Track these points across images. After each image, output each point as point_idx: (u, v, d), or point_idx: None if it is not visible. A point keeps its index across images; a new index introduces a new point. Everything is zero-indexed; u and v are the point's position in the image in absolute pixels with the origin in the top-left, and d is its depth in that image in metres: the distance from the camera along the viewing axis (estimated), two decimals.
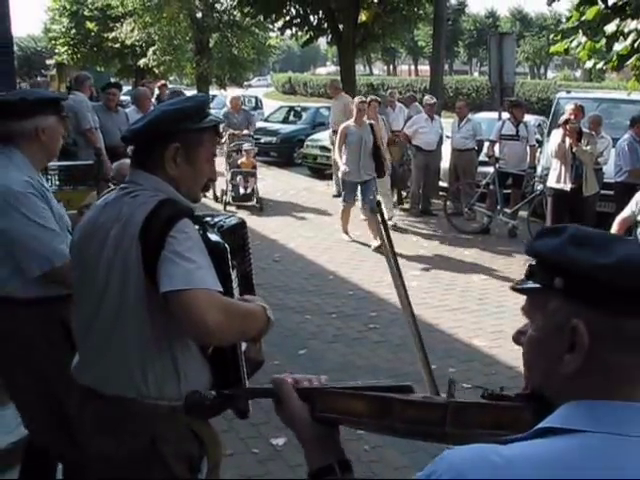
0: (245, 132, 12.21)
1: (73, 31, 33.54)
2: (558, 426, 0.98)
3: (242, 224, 2.55)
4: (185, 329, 2.02)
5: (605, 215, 8.51)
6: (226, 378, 2.22)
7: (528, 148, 10.26)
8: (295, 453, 4.19)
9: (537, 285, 1.07)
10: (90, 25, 32.05)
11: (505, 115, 10.84)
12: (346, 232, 9.81)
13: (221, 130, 11.88)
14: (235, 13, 23.61)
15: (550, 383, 1.06)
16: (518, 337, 1.14)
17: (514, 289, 1.13)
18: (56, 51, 35.84)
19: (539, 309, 1.07)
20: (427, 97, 11.91)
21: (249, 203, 11.74)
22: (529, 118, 14.71)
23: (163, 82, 14.88)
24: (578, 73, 55.66)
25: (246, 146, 11.86)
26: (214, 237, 2.21)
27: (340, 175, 9.54)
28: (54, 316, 2.93)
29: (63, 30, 34.14)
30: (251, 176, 11.75)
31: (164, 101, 10.52)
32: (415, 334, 1.53)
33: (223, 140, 11.91)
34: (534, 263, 1.10)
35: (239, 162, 11.81)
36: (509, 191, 10.46)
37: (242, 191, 11.69)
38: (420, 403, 1.18)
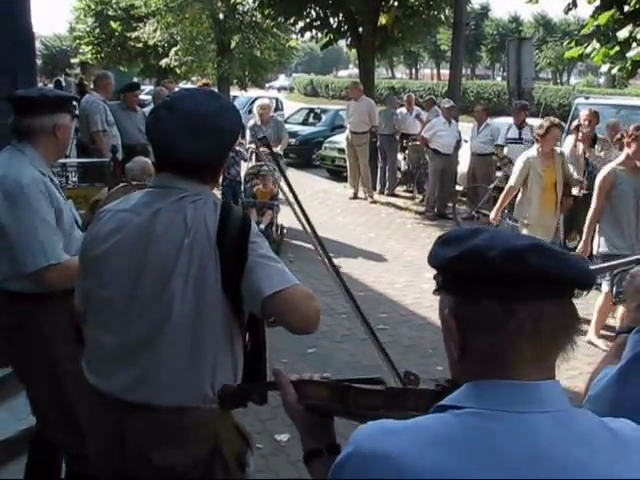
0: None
1: (97, 30, 33.89)
2: (448, 403, 1.08)
3: None
4: (291, 324, 2.08)
5: None
6: (254, 372, 2.27)
7: None
8: (298, 449, 4.24)
9: (436, 288, 1.19)
10: (114, 25, 32.38)
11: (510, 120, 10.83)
12: (599, 335, 6.37)
13: (246, 145, 10.23)
14: (256, 15, 23.76)
15: (453, 371, 1.18)
16: None
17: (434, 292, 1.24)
18: (80, 50, 36.24)
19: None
20: (445, 100, 11.95)
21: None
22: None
23: (205, 81, 14.60)
24: (602, 80, 55.18)
25: (265, 169, 9.22)
26: None
27: (600, 248, 6.14)
28: (62, 310, 2.96)
29: (87, 29, 34.51)
30: (268, 208, 9.10)
31: None
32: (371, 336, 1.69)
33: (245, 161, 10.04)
34: None
35: (254, 190, 9.33)
36: None
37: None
38: (368, 390, 1.36)
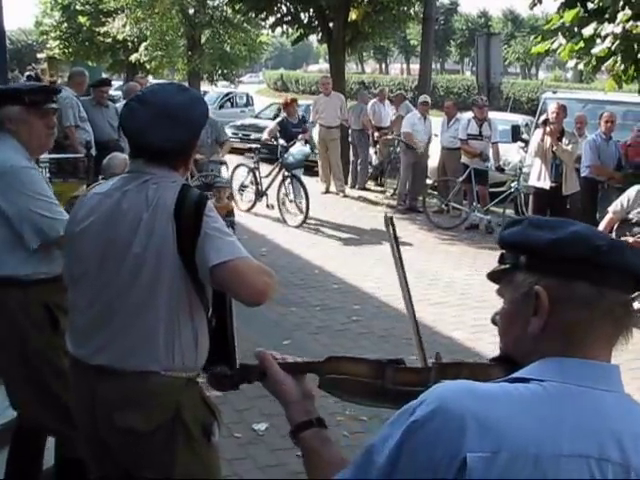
0: (209, 158, 8.56)
1: (65, 25, 33.35)
2: (529, 376, 1.14)
3: None
4: (238, 295, 2.22)
5: None
6: (221, 349, 2.36)
7: (490, 146, 10.48)
8: (276, 438, 4.32)
9: (507, 266, 1.26)
10: (82, 19, 31.89)
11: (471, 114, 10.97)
12: None
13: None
14: (227, 9, 23.68)
15: (519, 346, 1.23)
16: (494, 317, 1.31)
17: (489, 275, 1.32)
18: (47, 45, 35.71)
19: (510, 286, 1.25)
20: (423, 96, 12.06)
21: None
22: (517, 117, 14.94)
23: (292, 98, 12.34)
24: (569, 74, 55.79)
25: (219, 182, 7.78)
26: None
27: None
28: (37, 299, 3.03)
29: (54, 24, 33.97)
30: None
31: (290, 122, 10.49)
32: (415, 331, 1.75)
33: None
34: (504, 251, 1.29)
35: None
36: (495, 189, 10.71)
37: None
38: (408, 368, 1.43)
